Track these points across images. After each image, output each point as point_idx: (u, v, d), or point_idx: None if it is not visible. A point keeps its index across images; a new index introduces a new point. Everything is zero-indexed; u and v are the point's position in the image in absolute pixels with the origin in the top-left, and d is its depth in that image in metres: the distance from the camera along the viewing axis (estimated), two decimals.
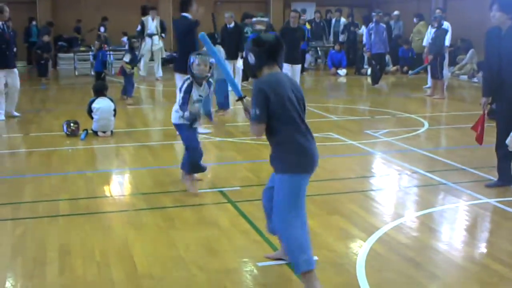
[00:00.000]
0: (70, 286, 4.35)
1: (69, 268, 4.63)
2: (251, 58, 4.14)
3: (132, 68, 13.44)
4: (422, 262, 4.69)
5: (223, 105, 11.50)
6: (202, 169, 6.75)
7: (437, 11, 15.13)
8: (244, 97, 4.53)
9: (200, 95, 6.45)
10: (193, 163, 6.57)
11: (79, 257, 4.83)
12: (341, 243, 5.12)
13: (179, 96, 6.45)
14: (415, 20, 18.31)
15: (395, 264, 4.72)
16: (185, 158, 6.66)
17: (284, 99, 4.01)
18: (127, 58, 13.42)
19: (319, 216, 5.77)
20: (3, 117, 11.17)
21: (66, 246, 5.05)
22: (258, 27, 9.49)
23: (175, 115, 6.51)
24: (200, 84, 6.40)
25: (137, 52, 14.15)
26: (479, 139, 7.01)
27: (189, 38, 9.09)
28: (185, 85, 6.35)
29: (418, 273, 4.55)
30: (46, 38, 18.48)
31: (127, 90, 13.54)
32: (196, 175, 6.87)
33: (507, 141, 6.61)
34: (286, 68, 11.02)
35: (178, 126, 6.60)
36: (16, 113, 11.50)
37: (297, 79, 11.99)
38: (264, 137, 4.16)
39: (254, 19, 9.75)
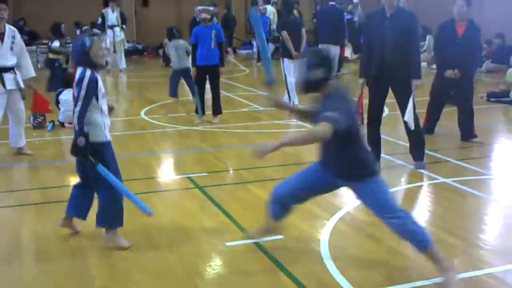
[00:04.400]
0: (49, 272, 4.48)
1: (46, 254, 4.77)
2: (321, 73, 4.01)
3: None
4: (382, 238, 4.95)
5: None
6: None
7: None
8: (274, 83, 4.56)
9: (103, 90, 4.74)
10: (119, 206, 4.83)
11: (55, 244, 4.97)
12: (306, 222, 5.34)
13: (76, 98, 4.50)
14: None
15: (358, 240, 4.99)
16: (103, 207, 4.78)
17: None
18: None
19: None
20: None
21: (40, 234, 5.17)
22: (204, 15, 9.62)
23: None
24: None
25: None
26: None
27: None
28: (86, 79, 4.44)
29: (379, 248, 4.82)
30: None
31: None
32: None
33: (405, 118, 6.76)
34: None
35: (99, 146, 4.62)
36: None
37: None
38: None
39: (199, 7, 9.93)
